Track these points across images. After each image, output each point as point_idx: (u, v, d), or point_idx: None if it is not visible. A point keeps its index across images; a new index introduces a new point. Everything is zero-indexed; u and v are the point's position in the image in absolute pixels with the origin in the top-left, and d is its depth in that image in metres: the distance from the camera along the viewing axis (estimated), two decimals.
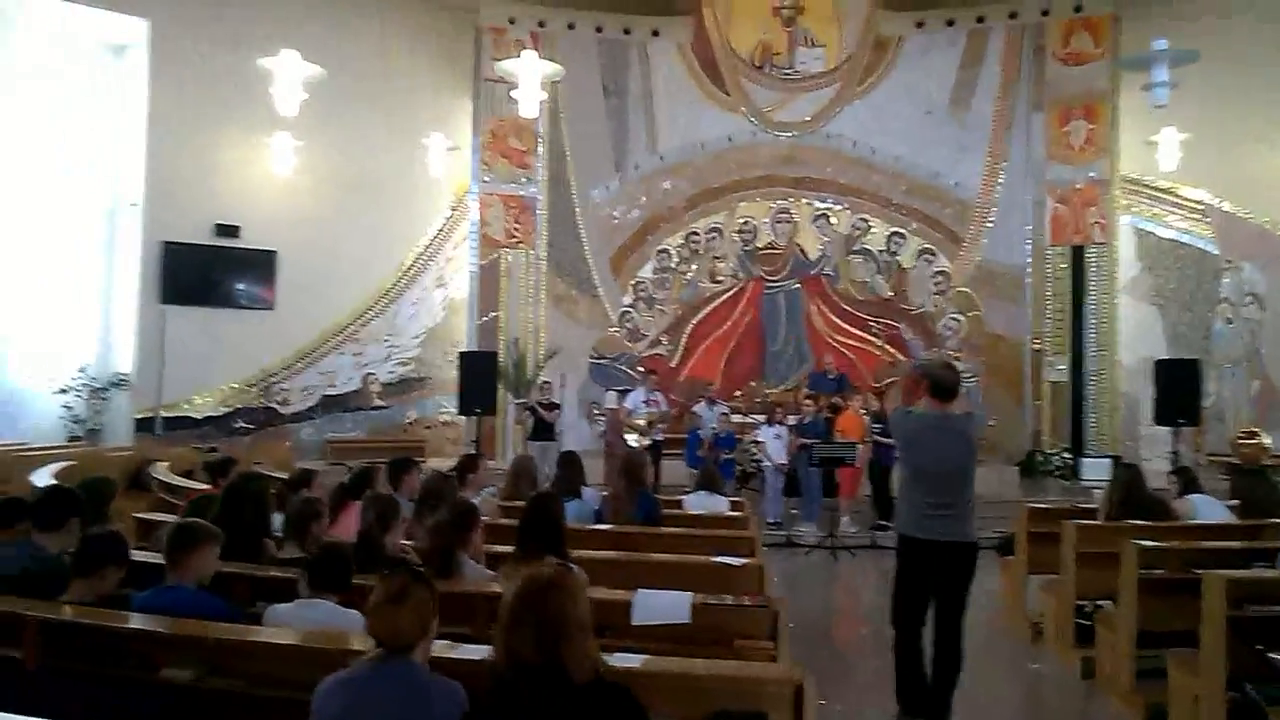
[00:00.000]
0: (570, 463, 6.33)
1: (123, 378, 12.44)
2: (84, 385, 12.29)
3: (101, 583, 3.66)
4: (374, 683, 2.52)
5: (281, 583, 4.16)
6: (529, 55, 10.43)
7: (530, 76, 10.59)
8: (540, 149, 14.69)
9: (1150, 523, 5.86)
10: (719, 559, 4.68)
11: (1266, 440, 10.70)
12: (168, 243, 12.70)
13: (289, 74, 11.29)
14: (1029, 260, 14.39)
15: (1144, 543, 5.11)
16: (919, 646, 4.79)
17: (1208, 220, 13.68)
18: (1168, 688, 4.70)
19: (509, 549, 4.66)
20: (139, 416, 12.50)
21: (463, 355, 12.65)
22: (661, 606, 3.69)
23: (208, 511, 4.76)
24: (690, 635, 3.75)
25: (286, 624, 3.52)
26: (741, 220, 15.26)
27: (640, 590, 3.81)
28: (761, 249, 15.23)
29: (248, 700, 3.24)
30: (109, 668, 3.34)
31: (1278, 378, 12.88)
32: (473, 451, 10.02)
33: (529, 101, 10.81)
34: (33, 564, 3.84)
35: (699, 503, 6.73)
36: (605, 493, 6.51)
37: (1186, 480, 6.46)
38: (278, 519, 4.86)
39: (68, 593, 3.63)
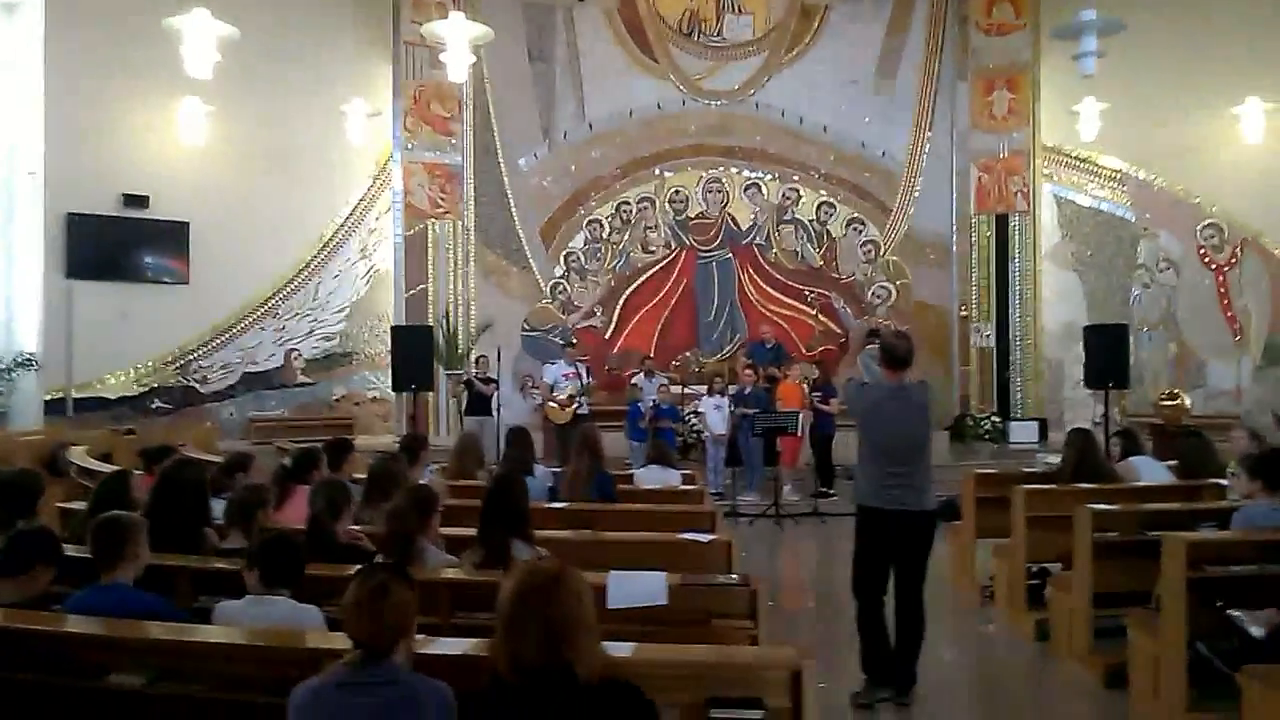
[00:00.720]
0: (521, 439, 6.14)
1: (29, 357, 11.72)
2: None
3: (32, 583, 3.37)
4: (358, 689, 2.34)
5: (225, 575, 3.91)
6: (457, 17, 10.05)
7: (459, 39, 10.19)
8: (465, 115, 14.28)
9: (1097, 486, 5.96)
10: (686, 535, 4.58)
11: (1187, 402, 11.10)
12: (72, 214, 11.99)
13: (200, 33, 10.64)
14: (955, 229, 14.59)
15: (1098, 506, 5.17)
16: (882, 616, 4.82)
17: (1124, 188, 14.04)
18: (1126, 648, 4.77)
19: (459, 531, 4.48)
20: (48, 398, 11.84)
21: (395, 330, 12.28)
22: (638, 588, 3.56)
23: (124, 493, 4.46)
24: (665, 616, 3.64)
25: (239, 622, 3.29)
26: (672, 190, 15.11)
27: (613, 572, 3.68)
28: (693, 219, 15.12)
29: (205, 705, 3.02)
30: (48, 676, 3.08)
31: (1193, 341, 13.35)
32: (413, 429, 9.74)
33: (457, 65, 10.41)
34: None
35: (651, 477, 6.63)
36: (557, 469, 6.38)
37: (1129, 443, 6.58)
38: (216, 506, 4.59)
39: None
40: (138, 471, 5.43)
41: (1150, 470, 6.32)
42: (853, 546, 4.93)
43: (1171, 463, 6.50)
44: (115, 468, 5.87)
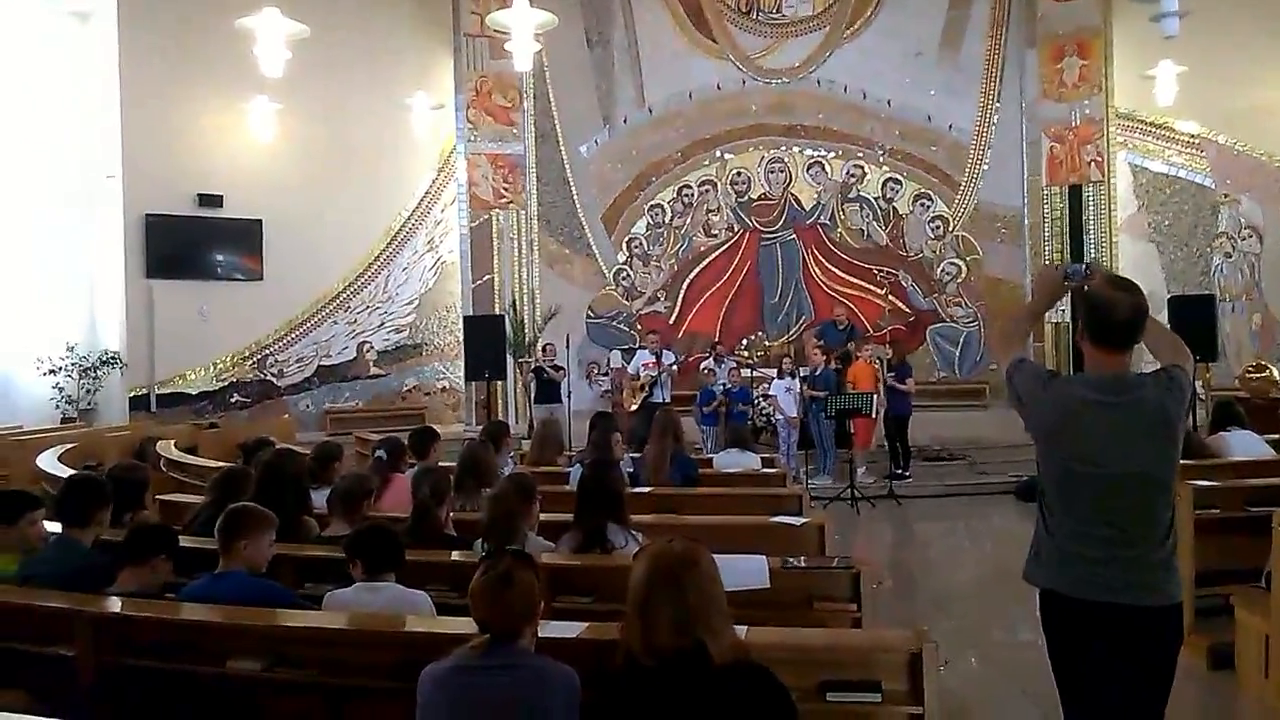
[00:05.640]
0: (606, 424, 6.15)
1: (114, 355, 12.10)
2: (73, 365, 11.96)
3: (152, 574, 3.49)
4: (486, 672, 2.37)
5: (328, 562, 4.00)
6: (521, 4, 10.04)
7: (523, 27, 10.19)
8: (526, 104, 14.32)
9: (1193, 461, 5.79)
10: (779, 519, 4.56)
11: (1276, 374, 10.73)
12: (150, 215, 12.31)
13: (271, 33, 10.77)
14: (1026, 201, 14.27)
15: (1201, 483, 5.03)
16: None
17: (1203, 154, 13.58)
18: (1230, 628, 4.64)
19: (543, 517, 4.50)
20: (133, 394, 12.21)
21: (467, 320, 12.41)
22: (740, 572, 3.54)
23: (242, 488, 4.59)
24: (767, 600, 3.63)
25: (351, 609, 3.35)
26: (734, 171, 15.00)
27: (713, 555, 3.67)
28: (755, 200, 15.01)
29: (321, 689, 3.09)
30: (170, 662, 3.18)
31: (1279, 310, 12.89)
32: (488, 418, 9.84)
33: (522, 54, 10.42)
34: (73, 560, 3.64)
35: (730, 460, 6.61)
36: (635, 455, 6.39)
37: (1226, 415, 6.38)
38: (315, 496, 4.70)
39: (116, 586, 3.45)
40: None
41: (1247, 444, 6.12)
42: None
43: (1271, 436, 6.30)
44: (216, 463, 6.04)
